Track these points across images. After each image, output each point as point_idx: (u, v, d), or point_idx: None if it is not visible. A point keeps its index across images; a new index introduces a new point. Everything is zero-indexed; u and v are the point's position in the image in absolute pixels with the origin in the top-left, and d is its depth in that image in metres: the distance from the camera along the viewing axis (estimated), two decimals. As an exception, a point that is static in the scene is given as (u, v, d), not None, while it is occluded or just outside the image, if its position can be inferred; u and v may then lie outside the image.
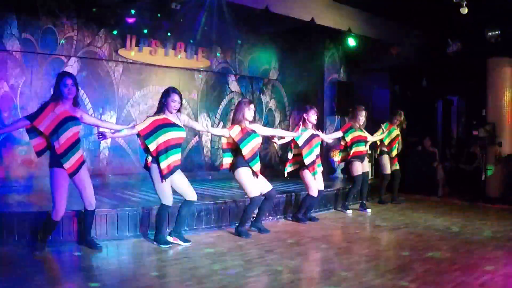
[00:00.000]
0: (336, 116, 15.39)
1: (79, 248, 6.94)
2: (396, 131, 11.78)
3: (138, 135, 7.15)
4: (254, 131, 8.10)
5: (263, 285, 5.66)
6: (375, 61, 14.84)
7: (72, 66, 11.17)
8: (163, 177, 7.16)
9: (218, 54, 13.80)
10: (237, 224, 8.30)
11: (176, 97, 7.32)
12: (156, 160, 7.17)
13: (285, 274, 6.01)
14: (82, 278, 5.81)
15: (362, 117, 10.86)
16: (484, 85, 13.06)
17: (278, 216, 9.77)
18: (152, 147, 7.11)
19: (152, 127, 7.12)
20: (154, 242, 7.30)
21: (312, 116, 9.41)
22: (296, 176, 9.62)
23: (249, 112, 8.07)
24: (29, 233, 6.96)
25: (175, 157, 7.22)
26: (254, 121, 8.31)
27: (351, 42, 13.36)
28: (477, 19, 12.07)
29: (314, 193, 9.35)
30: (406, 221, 9.83)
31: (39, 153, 6.67)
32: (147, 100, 12.47)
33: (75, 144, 6.60)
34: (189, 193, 7.45)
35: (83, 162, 6.73)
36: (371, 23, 13.00)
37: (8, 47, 10.38)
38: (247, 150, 7.90)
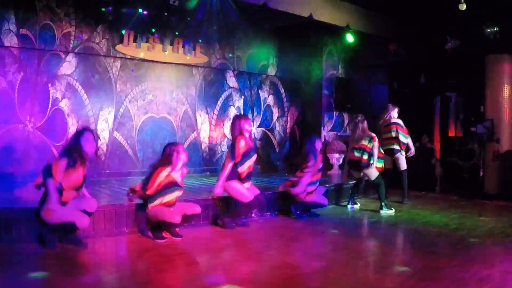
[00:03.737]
0: (334, 112, 15.39)
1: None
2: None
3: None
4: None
5: (261, 281, 5.65)
6: (374, 58, 14.83)
7: (70, 62, 11.17)
8: None
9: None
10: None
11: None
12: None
13: (283, 269, 6.01)
14: (79, 273, 5.81)
15: None
16: (482, 81, 13.04)
17: (276, 212, 9.75)
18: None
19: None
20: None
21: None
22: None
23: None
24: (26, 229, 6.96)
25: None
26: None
27: (350, 38, 13.34)
28: (476, 16, 12.06)
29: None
30: (404, 217, 9.83)
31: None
32: (145, 96, 12.45)
33: None
34: None
35: None
36: (370, 19, 12.98)
37: (6, 43, 10.34)
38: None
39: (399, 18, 13.31)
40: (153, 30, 12.18)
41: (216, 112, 13.80)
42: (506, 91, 12.72)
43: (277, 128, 15.21)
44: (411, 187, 11.69)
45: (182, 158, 7.52)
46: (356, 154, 10.50)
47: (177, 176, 7.57)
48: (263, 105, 14.87)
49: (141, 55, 12.24)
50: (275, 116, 15.22)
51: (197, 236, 7.78)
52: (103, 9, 11.30)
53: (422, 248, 7.30)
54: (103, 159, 11.74)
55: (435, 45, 13.41)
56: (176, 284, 5.49)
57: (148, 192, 7.28)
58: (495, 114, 12.77)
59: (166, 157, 7.50)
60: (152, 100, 12.58)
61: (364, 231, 8.98)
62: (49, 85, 10.91)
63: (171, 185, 7.43)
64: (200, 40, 13.10)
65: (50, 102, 10.89)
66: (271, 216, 9.58)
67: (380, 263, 6.51)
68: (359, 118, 11.19)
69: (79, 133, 6.85)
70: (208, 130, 13.64)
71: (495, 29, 12.27)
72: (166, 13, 11.65)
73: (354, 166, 10.71)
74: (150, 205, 7.33)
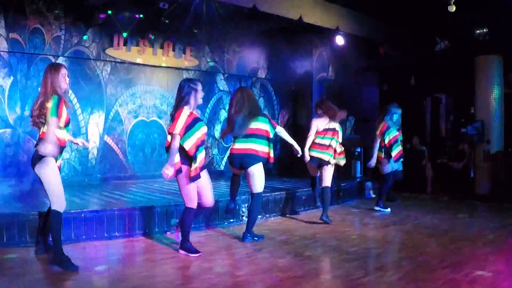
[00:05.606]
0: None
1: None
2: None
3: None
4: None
5: (253, 284, 5.65)
6: (364, 60, 14.85)
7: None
8: (193, 178, 6.60)
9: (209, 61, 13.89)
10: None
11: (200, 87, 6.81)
12: (189, 160, 6.58)
13: (275, 272, 6.00)
14: (72, 278, 5.78)
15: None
16: (472, 83, 13.11)
17: (267, 215, 9.76)
18: (188, 145, 6.54)
19: (187, 124, 6.54)
20: (182, 251, 6.84)
21: None
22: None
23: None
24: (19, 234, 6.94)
25: (203, 155, 6.74)
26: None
27: (340, 40, 13.35)
28: (465, 17, 12.11)
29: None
30: (395, 219, 9.85)
31: None
32: (135, 99, 12.44)
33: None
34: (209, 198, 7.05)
35: None
36: (360, 22, 13.00)
37: (-5, 47, 10.34)
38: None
39: (389, 20, 13.33)
40: (144, 33, 12.18)
41: (206, 115, 13.78)
42: (495, 92, 12.79)
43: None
44: (402, 188, 11.73)
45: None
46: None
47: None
48: (254, 108, 14.86)
49: (137, 60, 12.25)
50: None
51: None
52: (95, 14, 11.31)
53: (413, 249, 7.32)
54: (94, 163, 11.71)
55: (425, 47, 13.45)
56: (167, 287, 5.47)
57: (174, 131, 6.41)
58: (485, 115, 12.84)
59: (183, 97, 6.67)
60: (143, 104, 12.57)
61: (356, 232, 8.98)
62: (39, 89, 10.85)
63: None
64: (190, 43, 13.09)
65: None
66: (261, 219, 9.58)
67: (372, 265, 6.51)
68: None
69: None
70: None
71: (485, 30, 12.33)
72: (156, 17, 11.64)
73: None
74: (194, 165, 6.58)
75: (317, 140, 9.43)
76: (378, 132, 10.64)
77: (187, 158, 6.56)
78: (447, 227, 9.02)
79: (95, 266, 6.22)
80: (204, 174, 6.86)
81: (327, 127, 9.46)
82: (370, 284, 5.58)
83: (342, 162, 9.77)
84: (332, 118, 9.48)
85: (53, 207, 6.02)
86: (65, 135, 6.16)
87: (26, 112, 10.63)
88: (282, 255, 6.84)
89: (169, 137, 6.53)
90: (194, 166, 6.53)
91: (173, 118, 6.59)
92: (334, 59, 15.48)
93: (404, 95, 15.06)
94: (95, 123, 11.69)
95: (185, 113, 6.54)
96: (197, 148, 6.57)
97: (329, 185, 9.51)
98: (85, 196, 7.08)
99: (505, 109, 13.05)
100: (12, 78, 10.52)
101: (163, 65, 12.89)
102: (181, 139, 6.47)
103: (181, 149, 6.52)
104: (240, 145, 7.66)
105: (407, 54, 14.13)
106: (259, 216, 9.46)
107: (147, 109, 12.66)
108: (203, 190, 6.90)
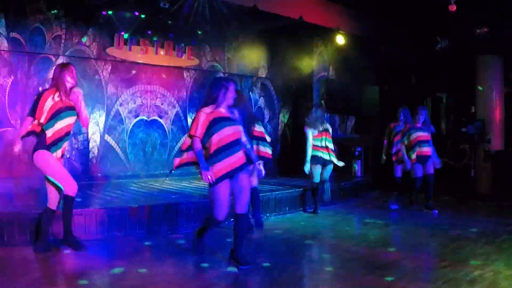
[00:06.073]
0: (325, 114, 15.38)
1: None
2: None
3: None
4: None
5: (252, 283, 5.65)
6: (364, 59, 14.84)
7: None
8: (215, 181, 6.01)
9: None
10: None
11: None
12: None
13: (274, 271, 6.00)
14: (71, 277, 5.79)
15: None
16: (473, 82, 13.11)
17: (267, 214, 9.74)
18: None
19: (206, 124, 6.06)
20: (242, 267, 6.00)
21: None
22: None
23: None
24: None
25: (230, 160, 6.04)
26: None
27: (340, 40, 13.35)
28: (466, 17, 12.11)
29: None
30: (395, 218, 9.85)
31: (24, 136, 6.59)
32: (136, 99, 12.43)
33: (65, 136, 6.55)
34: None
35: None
36: (360, 21, 13.01)
37: (-4, 46, 10.35)
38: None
39: (389, 19, 13.33)
40: (145, 33, 12.18)
41: (207, 114, 13.76)
42: (496, 92, 12.79)
43: (268, 130, 15.19)
44: (402, 187, 11.70)
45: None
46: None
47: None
48: (254, 107, 14.86)
49: (138, 59, 12.25)
50: (266, 118, 15.20)
51: (189, 238, 7.77)
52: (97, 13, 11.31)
53: (413, 248, 7.32)
54: (94, 162, 11.71)
55: (425, 46, 13.45)
56: (167, 287, 5.47)
57: (196, 134, 6.00)
58: (485, 115, 12.85)
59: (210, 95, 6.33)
60: (144, 103, 12.56)
61: (356, 231, 8.98)
62: (40, 88, 10.86)
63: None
64: (191, 43, 13.09)
65: (41, 105, 10.84)
66: (262, 218, 9.57)
67: (372, 264, 6.51)
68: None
69: None
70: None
71: (485, 30, 12.32)
72: (157, 16, 11.64)
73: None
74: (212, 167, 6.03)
75: (315, 143, 9.72)
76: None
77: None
78: (447, 226, 9.02)
79: (96, 265, 6.22)
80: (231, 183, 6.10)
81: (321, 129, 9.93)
82: (371, 283, 5.58)
83: (340, 163, 10.14)
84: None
85: (65, 193, 6.37)
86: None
87: (27, 111, 10.63)
88: (282, 254, 6.84)
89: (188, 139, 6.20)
90: (213, 170, 5.97)
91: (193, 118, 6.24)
92: (334, 58, 15.47)
93: (404, 94, 15.06)
94: (96, 122, 11.68)
95: (205, 112, 6.11)
96: (219, 150, 5.99)
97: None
98: (85, 195, 7.09)
99: (506, 108, 13.05)
100: (12, 77, 10.51)
101: (164, 64, 12.88)
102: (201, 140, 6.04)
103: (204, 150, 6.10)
104: None
105: (407, 54, 14.13)
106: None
107: (148, 108, 12.65)
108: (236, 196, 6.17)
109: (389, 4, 12.39)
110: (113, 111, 12.03)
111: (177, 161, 6.31)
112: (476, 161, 12.92)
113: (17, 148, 6.61)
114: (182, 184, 11.42)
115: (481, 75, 12.92)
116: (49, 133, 6.35)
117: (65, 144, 6.61)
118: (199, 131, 6.00)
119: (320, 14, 11.96)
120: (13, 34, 10.49)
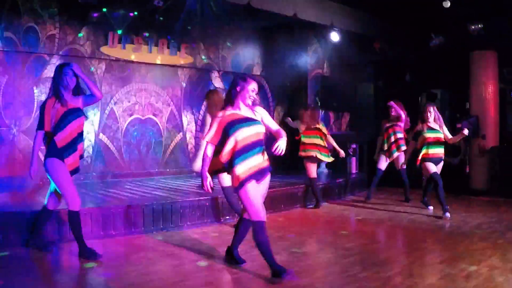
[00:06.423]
0: (320, 111, 15.40)
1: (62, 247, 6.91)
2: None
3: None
4: None
5: (249, 281, 5.64)
6: (359, 56, 14.83)
7: (55, 64, 11.12)
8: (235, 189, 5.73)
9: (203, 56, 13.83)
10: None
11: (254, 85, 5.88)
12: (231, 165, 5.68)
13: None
14: (67, 276, 5.78)
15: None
16: (467, 78, 13.12)
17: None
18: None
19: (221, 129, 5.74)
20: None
21: None
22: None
23: None
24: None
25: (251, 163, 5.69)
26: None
27: (334, 37, 13.34)
28: (460, 13, 12.11)
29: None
30: (391, 215, 9.86)
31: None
32: (130, 97, 12.41)
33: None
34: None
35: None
36: (354, 18, 12.98)
37: (-10, 46, 10.33)
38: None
39: (383, 16, 13.32)
40: (139, 31, 12.16)
41: (202, 112, 13.76)
42: (490, 87, 12.81)
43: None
44: (397, 184, 11.73)
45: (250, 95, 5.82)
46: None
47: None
48: (249, 104, 14.83)
49: (132, 57, 12.24)
50: (261, 115, 15.17)
51: (185, 237, 7.78)
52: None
53: (409, 244, 7.32)
54: (89, 161, 11.69)
55: (420, 43, 13.45)
56: (164, 285, 5.46)
57: (206, 139, 5.77)
58: (480, 111, 12.86)
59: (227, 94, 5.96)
60: (138, 102, 12.55)
61: (352, 228, 8.99)
62: (34, 88, 10.86)
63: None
64: (184, 41, 13.08)
65: (35, 105, 10.83)
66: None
67: (368, 261, 6.51)
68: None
69: None
70: (194, 130, 13.61)
71: (480, 26, 12.33)
72: (151, 14, 11.62)
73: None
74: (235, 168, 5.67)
75: (307, 141, 10.46)
76: None
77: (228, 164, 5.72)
78: (443, 222, 9.04)
79: (92, 264, 6.21)
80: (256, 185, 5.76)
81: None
82: (367, 280, 5.58)
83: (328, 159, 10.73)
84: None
85: (69, 208, 6.31)
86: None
87: (21, 111, 10.62)
88: (278, 252, 6.82)
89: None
90: (235, 174, 5.62)
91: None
92: (329, 55, 15.46)
93: (399, 91, 15.05)
94: (90, 121, 11.65)
95: (219, 116, 5.77)
96: (239, 153, 5.61)
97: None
98: (81, 194, 7.05)
99: (500, 104, 13.06)
100: (6, 76, 10.50)
101: (158, 62, 12.87)
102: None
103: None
104: None
105: (402, 50, 14.12)
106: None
107: (142, 107, 12.64)
108: None
109: (384, 0, 12.39)
110: (107, 110, 12.01)
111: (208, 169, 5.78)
112: (471, 157, 12.93)
113: (34, 173, 6.37)
114: (176, 182, 11.44)
115: (475, 71, 12.93)
116: (59, 138, 6.27)
117: (81, 145, 6.63)
118: (211, 136, 5.72)
119: (314, 11, 11.93)
120: (6, 33, 10.48)
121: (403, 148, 11.18)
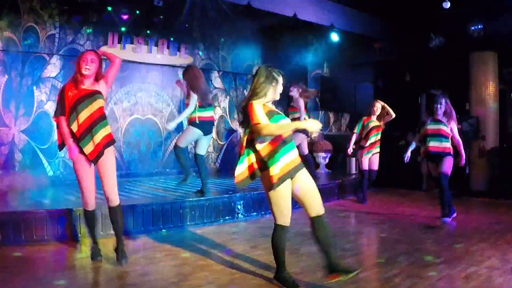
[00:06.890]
0: (320, 111, 15.40)
1: (64, 246, 6.91)
2: (374, 123, 11.40)
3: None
4: None
5: (249, 281, 5.64)
6: (358, 56, 14.83)
7: (55, 64, 11.13)
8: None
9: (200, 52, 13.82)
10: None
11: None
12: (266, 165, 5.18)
13: (271, 269, 6.00)
14: (66, 276, 5.78)
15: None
16: (467, 78, 13.12)
17: (262, 212, 9.73)
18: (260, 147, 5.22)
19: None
20: (275, 281, 5.53)
21: None
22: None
23: None
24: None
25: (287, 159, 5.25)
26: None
27: (334, 37, 13.34)
28: (460, 14, 12.12)
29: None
30: (391, 215, 9.85)
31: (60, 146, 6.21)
32: (130, 97, 12.41)
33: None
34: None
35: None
36: (354, 18, 12.98)
37: (-10, 45, 10.32)
38: None
39: (383, 16, 13.32)
40: (139, 31, 12.16)
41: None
42: (490, 88, 12.80)
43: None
44: (397, 184, 11.73)
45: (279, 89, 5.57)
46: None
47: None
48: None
49: (132, 58, 12.22)
50: (261, 115, 15.16)
51: (185, 237, 7.78)
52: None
53: (409, 245, 7.32)
54: (89, 161, 11.68)
55: (419, 43, 13.45)
56: (164, 285, 5.46)
57: (257, 122, 5.11)
58: (480, 111, 12.85)
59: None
60: (138, 102, 12.54)
61: (351, 228, 8.99)
62: (34, 87, 10.86)
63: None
64: (184, 41, 13.08)
65: (35, 104, 10.84)
66: (256, 217, 9.56)
67: (367, 261, 6.51)
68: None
69: None
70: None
71: (479, 27, 12.33)
72: (151, 14, 11.62)
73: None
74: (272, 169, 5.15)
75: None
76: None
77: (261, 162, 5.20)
78: (442, 222, 9.04)
79: (92, 264, 6.21)
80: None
81: None
82: (366, 280, 5.58)
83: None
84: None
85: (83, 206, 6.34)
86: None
87: (21, 111, 10.62)
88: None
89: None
90: (271, 173, 5.12)
91: (245, 111, 5.27)
92: (329, 55, 15.46)
93: (399, 91, 15.06)
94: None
95: (259, 104, 5.28)
96: (277, 148, 5.17)
97: None
98: (78, 194, 7.04)
99: (500, 105, 13.06)
100: (6, 76, 10.49)
101: (158, 62, 12.86)
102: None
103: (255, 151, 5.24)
104: None
105: (402, 50, 14.12)
106: (254, 213, 9.48)
107: (142, 106, 12.63)
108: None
109: (383, 0, 12.39)
110: (107, 109, 12.00)
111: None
112: (471, 158, 12.93)
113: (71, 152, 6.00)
114: (176, 182, 11.43)
115: (475, 72, 12.93)
116: (75, 127, 5.95)
117: (103, 130, 6.19)
118: (264, 119, 5.15)
119: (314, 12, 11.93)
120: (6, 33, 10.47)
121: (377, 150, 11.21)
